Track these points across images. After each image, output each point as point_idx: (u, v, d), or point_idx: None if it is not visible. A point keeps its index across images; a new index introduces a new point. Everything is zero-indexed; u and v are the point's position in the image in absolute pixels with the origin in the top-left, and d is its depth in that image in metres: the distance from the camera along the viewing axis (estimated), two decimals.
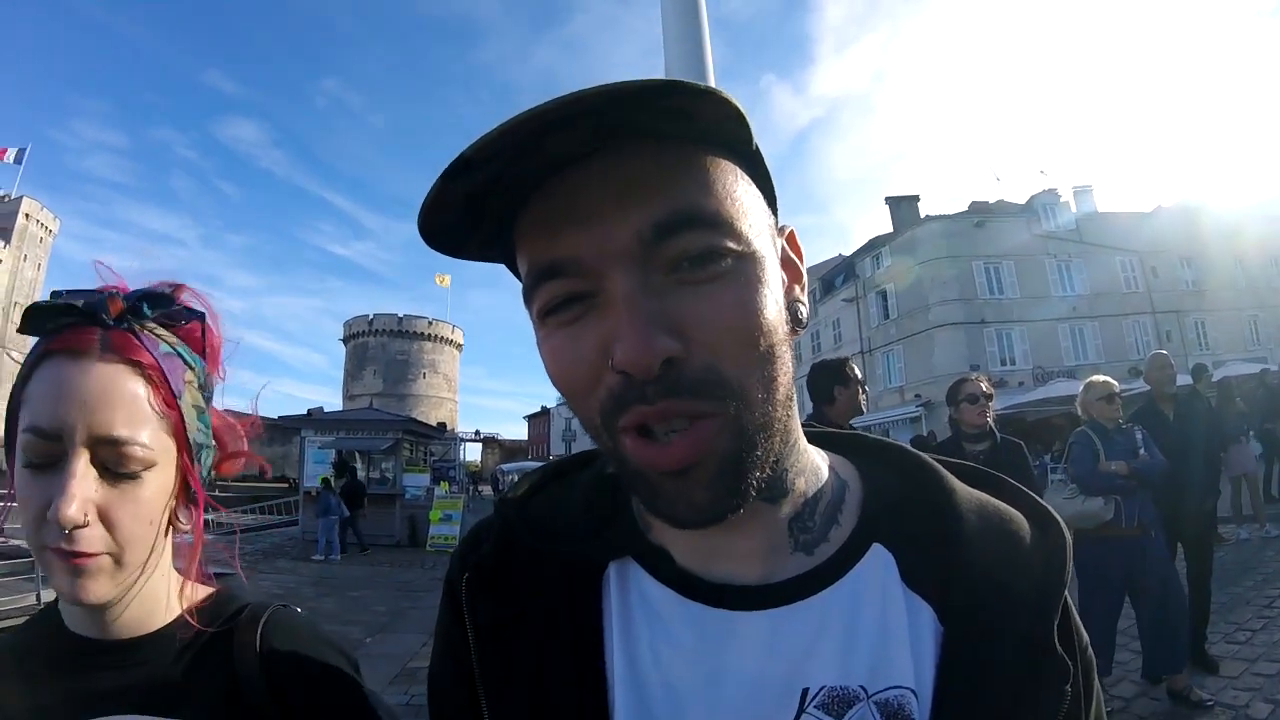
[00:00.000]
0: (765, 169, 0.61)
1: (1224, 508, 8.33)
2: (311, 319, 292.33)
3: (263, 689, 0.88)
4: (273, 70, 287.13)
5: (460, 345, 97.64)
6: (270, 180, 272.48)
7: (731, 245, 0.53)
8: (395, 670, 6.79)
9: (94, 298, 0.82)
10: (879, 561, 0.62)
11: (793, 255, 0.64)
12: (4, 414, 0.87)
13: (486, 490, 51.70)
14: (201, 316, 0.91)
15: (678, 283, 0.52)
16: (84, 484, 0.75)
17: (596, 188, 0.52)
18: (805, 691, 0.57)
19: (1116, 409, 4.94)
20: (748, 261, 0.54)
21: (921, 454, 0.71)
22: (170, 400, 0.83)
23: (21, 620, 0.96)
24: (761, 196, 0.60)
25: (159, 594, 0.90)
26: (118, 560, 0.79)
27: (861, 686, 0.56)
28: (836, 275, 45.59)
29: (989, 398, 4.46)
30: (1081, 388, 5.21)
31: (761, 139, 0.57)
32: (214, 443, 0.93)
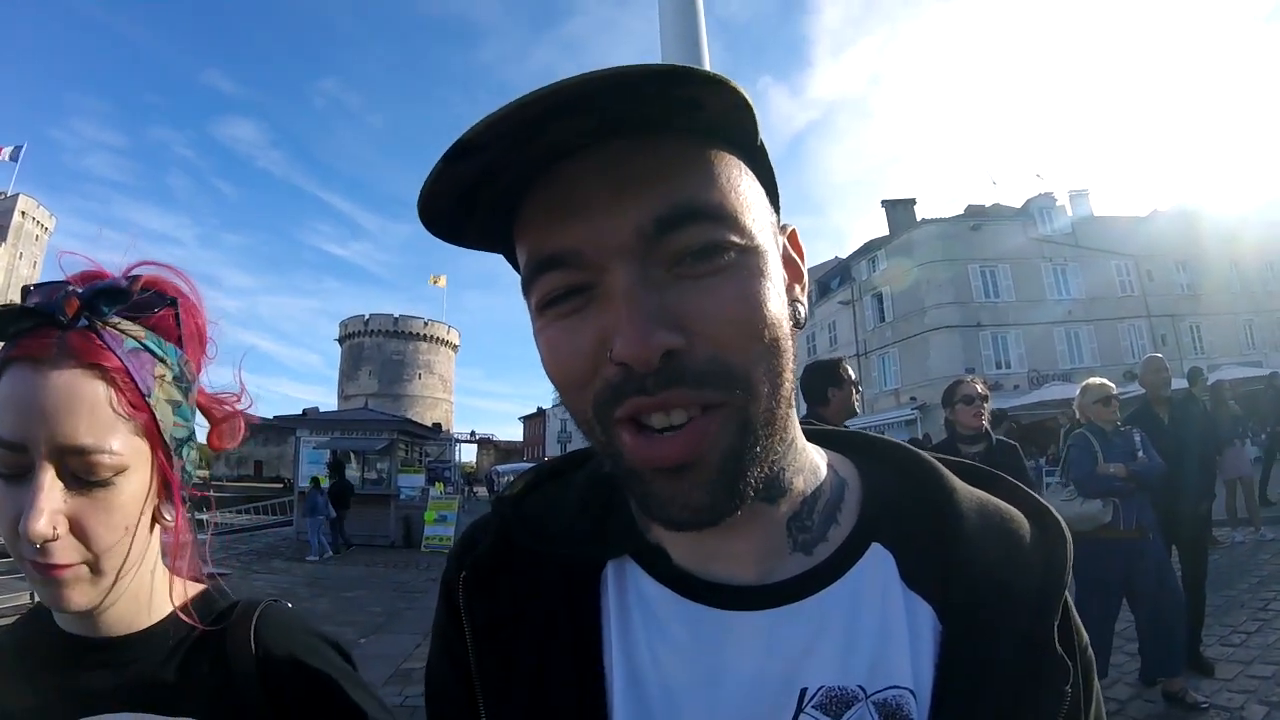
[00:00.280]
0: (769, 165, 0.61)
1: (1219, 511, 8.34)
2: (308, 319, 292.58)
3: (256, 685, 0.87)
4: (271, 70, 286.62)
5: (456, 346, 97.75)
6: (268, 180, 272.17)
7: (734, 239, 0.53)
8: (389, 671, 6.77)
9: (48, 299, 0.77)
10: (878, 561, 0.61)
11: (794, 254, 0.64)
12: None
13: (482, 491, 51.48)
14: (173, 302, 0.87)
15: (678, 277, 0.52)
16: (51, 496, 0.73)
17: (598, 179, 0.52)
18: (803, 691, 0.56)
19: (1114, 411, 4.95)
20: (751, 255, 0.54)
21: (920, 452, 0.71)
22: (138, 401, 0.79)
23: (14, 619, 0.95)
24: (764, 193, 0.60)
25: (148, 592, 0.89)
26: (94, 568, 0.77)
27: (860, 686, 0.56)
28: (832, 278, 45.70)
29: (984, 399, 4.48)
30: (1079, 390, 5.23)
31: None
32: (194, 432, 0.90)
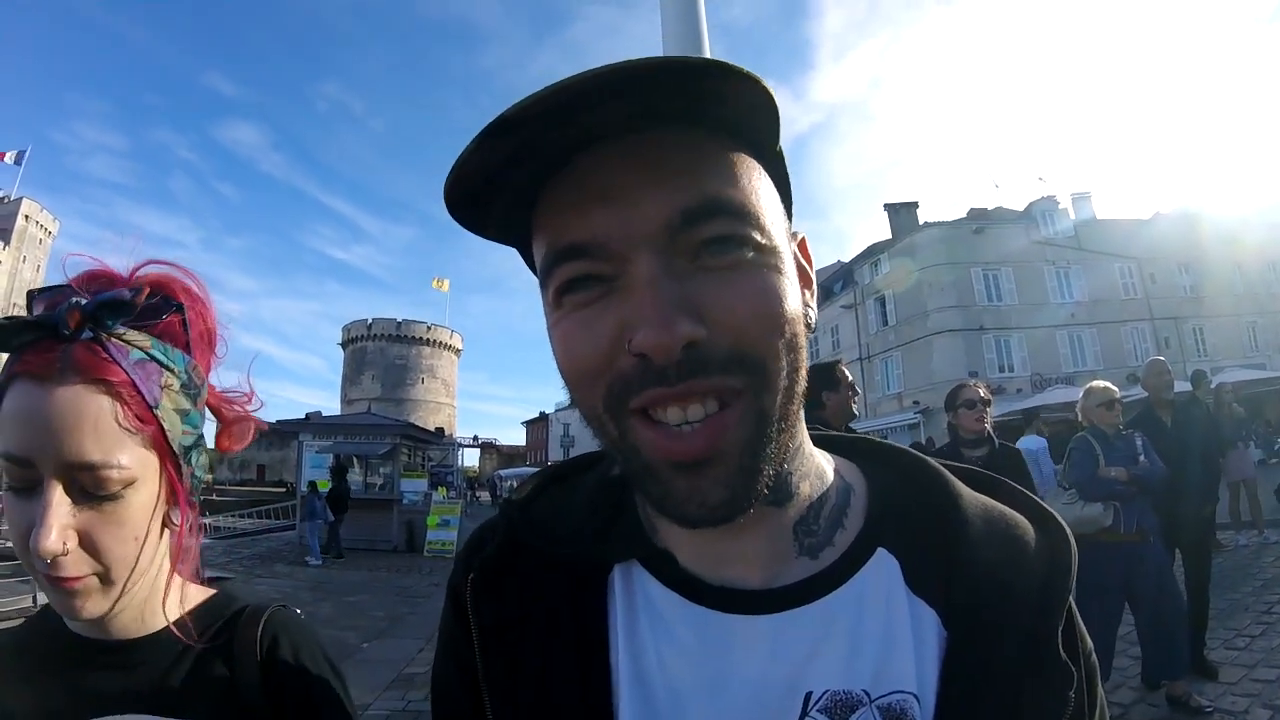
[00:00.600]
0: (785, 173, 0.62)
1: (1222, 514, 8.32)
2: (310, 323, 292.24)
3: (260, 688, 0.88)
4: (273, 72, 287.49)
5: (459, 350, 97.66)
6: (270, 183, 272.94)
7: (755, 236, 0.53)
8: (391, 676, 6.77)
9: (52, 312, 0.76)
10: (883, 566, 0.61)
11: (803, 261, 0.64)
12: None
13: (485, 496, 51.54)
14: (180, 307, 0.85)
15: (700, 269, 0.52)
16: (60, 512, 0.73)
17: (626, 170, 0.52)
18: (808, 695, 0.57)
19: (1116, 415, 4.94)
20: (769, 254, 0.55)
21: (925, 457, 0.71)
22: (145, 414, 0.78)
23: (18, 621, 0.96)
24: (780, 198, 0.61)
25: (157, 596, 0.89)
26: (105, 579, 0.78)
27: (864, 691, 0.56)
28: (835, 282, 45.72)
29: (987, 404, 4.47)
30: (1082, 394, 5.22)
31: None
32: (203, 437, 0.89)
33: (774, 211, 0.57)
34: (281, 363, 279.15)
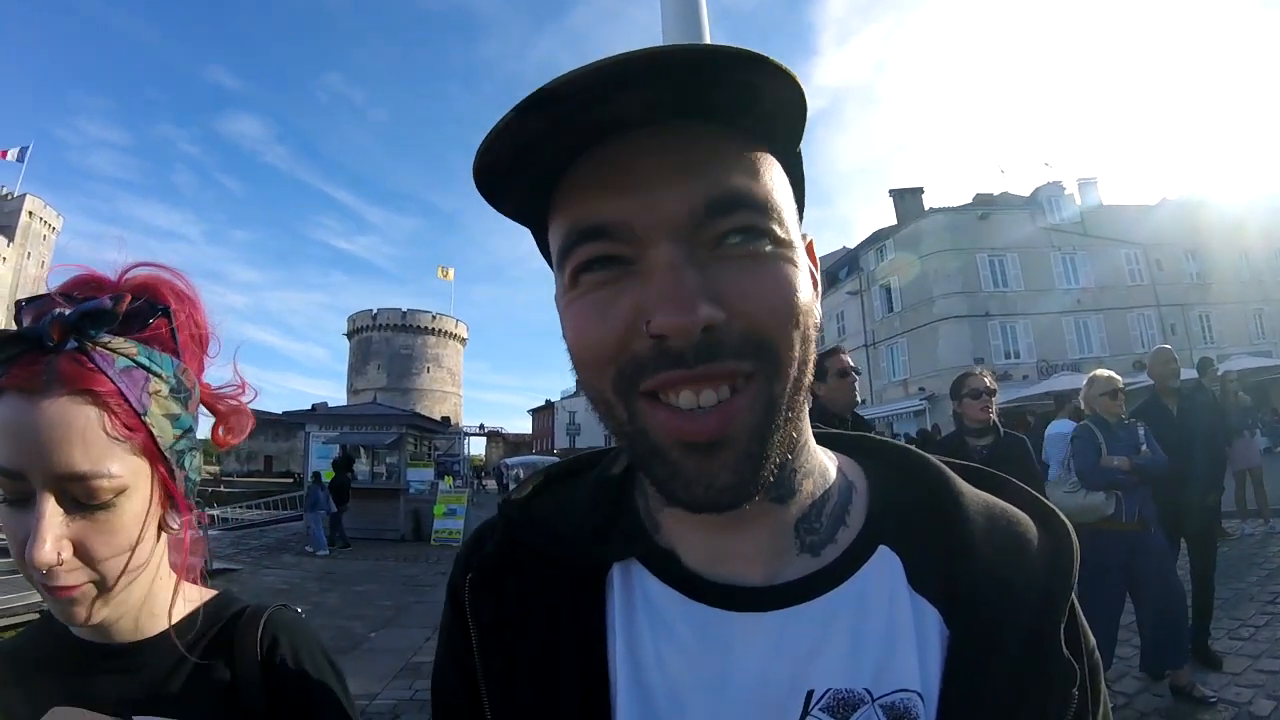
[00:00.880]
0: (801, 174, 0.63)
1: (1228, 502, 8.30)
2: (315, 313, 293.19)
3: (260, 689, 0.89)
4: (274, 65, 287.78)
5: (464, 339, 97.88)
6: (273, 175, 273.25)
7: (775, 230, 0.54)
8: (399, 664, 6.81)
9: (35, 324, 0.77)
10: (885, 564, 0.61)
11: (810, 263, 0.64)
12: None
13: (491, 484, 51.42)
14: (166, 311, 0.85)
15: (720, 257, 0.53)
16: (52, 524, 0.73)
17: (655, 156, 0.53)
18: (810, 694, 0.56)
19: (1120, 404, 4.93)
20: (787, 248, 0.55)
21: (927, 455, 0.71)
22: (133, 422, 0.79)
23: (27, 616, 0.97)
24: (794, 197, 0.62)
25: (158, 599, 0.90)
26: (101, 586, 0.79)
27: (867, 689, 0.56)
28: (840, 268, 45.55)
29: (992, 393, 4.46)
30: (1085, 382, 5.21)
31: None
32: (196, 438, 0.90)
33: (790, 209, 0.58)
34: (287, 354, 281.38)
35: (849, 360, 4.35)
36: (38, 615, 0.97)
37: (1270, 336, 34.53)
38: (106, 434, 0.76)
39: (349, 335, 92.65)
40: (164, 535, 0.87)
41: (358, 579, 11.89)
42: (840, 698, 0.56)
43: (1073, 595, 0.61)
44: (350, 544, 16.31)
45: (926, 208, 38.50)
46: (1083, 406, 5.15)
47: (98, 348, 0.78)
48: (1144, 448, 4.73)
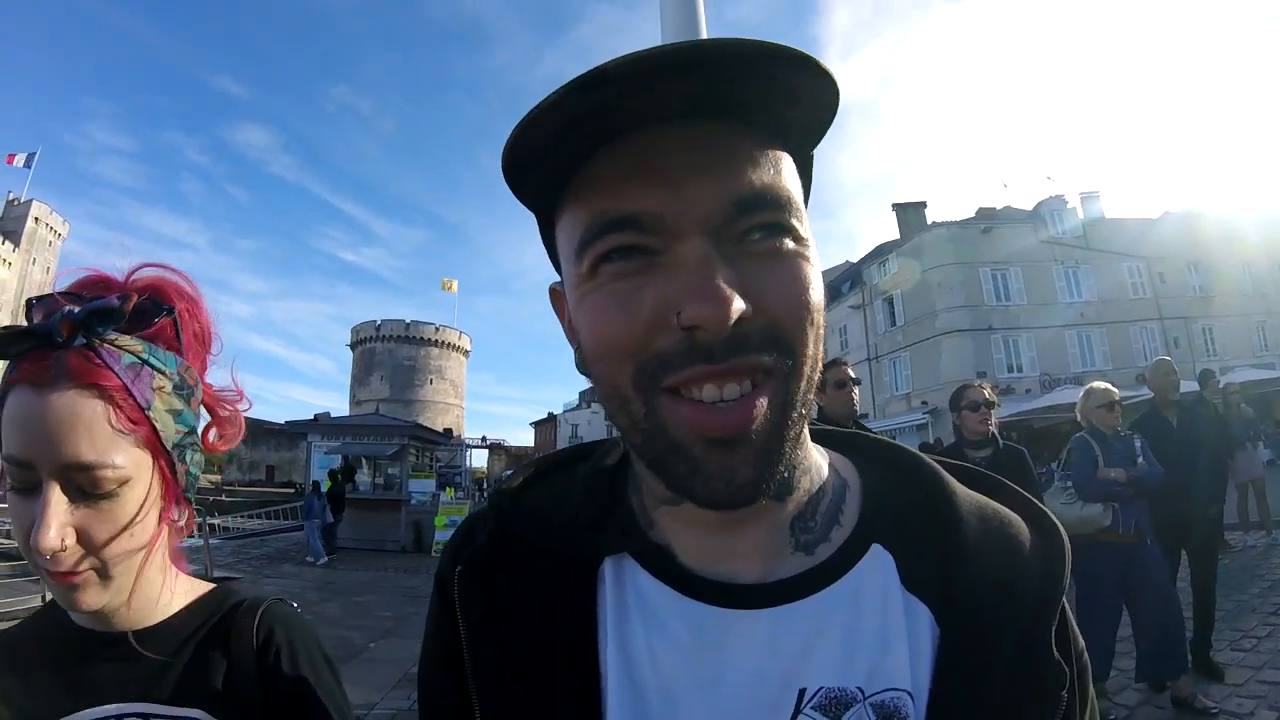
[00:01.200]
0: (810, 178, 0.63)
1: (1230, 514, 8.27)
2: (320, 324, 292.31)
3: (255, 677, 0.91)
4: (282, 75, 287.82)
5: (467, 351, 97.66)
6: (280, 185, 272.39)
7: (796, 227, 0.55)
8: (398, 675, 6.79)
9: (46, 321, 0.80)
10: (878, 562, 0.61)
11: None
12: None
13: None
14: (171, 311, 0.89)
15: (743, 253, 0.53)
16: (58, 511, 0.77)
17: (686, 150, 0.53)
18: (802, 692, 0.56)
19: (1116, 417, 4.93)
20: (805, 247, 0.56)
21: (920, 455, 0.71)
22: (137, 416, 0.82)
23: (29, 615, 0.99)
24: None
25: (158, 589, 0.93)
26: (103, 572, 0.82)
27: (859, 688, 0.56)
28: (843, 282, 45.45)
29: (990, 405, 4.47)
30: (1082, 394, 5.21)
31: None
32: (199, 435, 0.93)
33: (804, 212, 0.59)
34: (292, 364, 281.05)
35: (850, 371, 4.37)
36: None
37: (1273, 349, 34.38)
38: (111, 427, 0.79)
39: (352, 346, 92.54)
40: (165, 527, 0.89)
41: (358, 589, 11.87)
42: (832, 696, 0.56)
43: (1063, 598, 0.61)
44: (336, 553, 16.24)
45: (929, 222, 38.45)
46: (1079, 419, 5.14)
47: (105, 344, 0.81)
48: (1140, 460, 4.73)
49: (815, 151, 0.63)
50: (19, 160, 77.21)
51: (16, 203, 75.99)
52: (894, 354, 39.10)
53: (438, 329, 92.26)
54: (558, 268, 0.65)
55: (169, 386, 0.86)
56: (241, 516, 28.78)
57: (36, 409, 0.77)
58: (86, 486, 0.79)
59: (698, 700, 0.57)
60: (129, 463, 0.81)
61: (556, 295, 0.68)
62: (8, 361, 0.81)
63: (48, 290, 0.90)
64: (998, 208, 40.31)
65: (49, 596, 0.88)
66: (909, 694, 0.56)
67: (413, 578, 13.47)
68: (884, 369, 39.74)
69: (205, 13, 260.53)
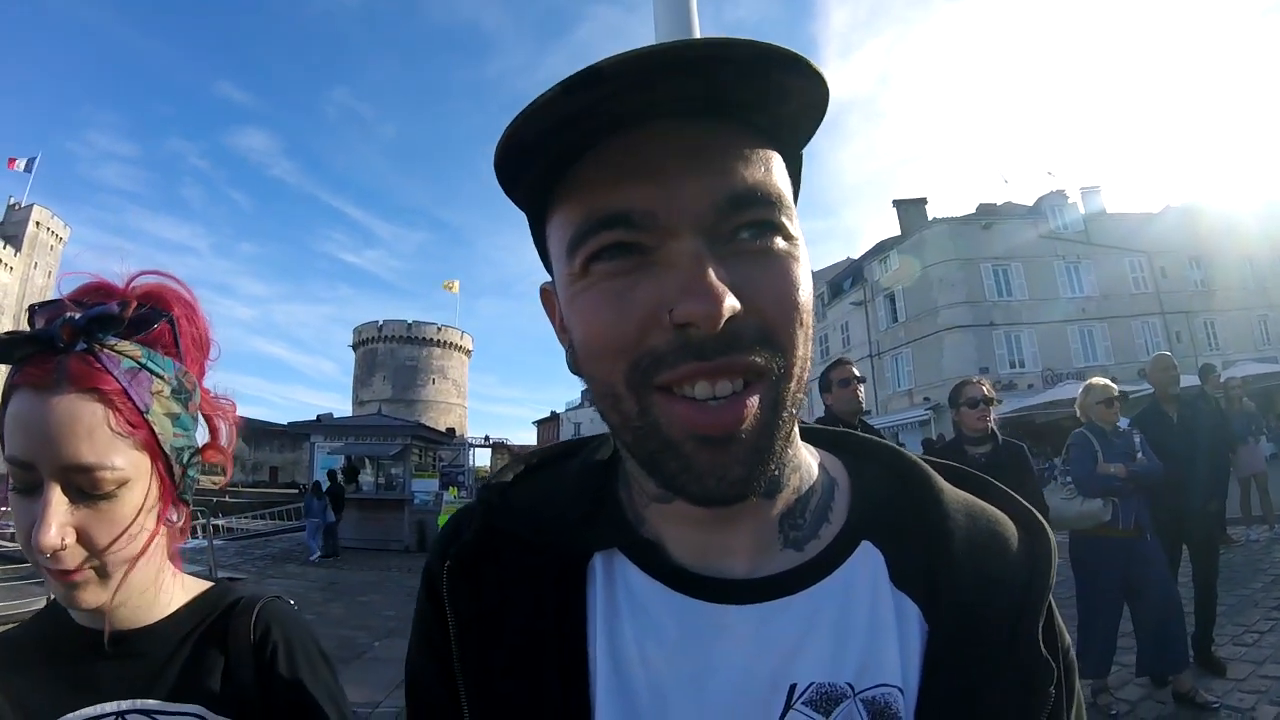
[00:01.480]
0: (800, 174, 0.64)
1: (1233, 509, 8.25)
2: (322, 326, 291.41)
3: (252, 674, 0.93)
4: (283, 80, 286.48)
5: (469, 351, 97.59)
6: (281, 189, 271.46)
7: (786, 226, 0.56)
8: (402, 674, 6.75)
9: (48, 326, 0.83)
10: (868, 559, 0.62)
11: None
12: None
13: None
14: (169, 317, 0.91)
15: (734, 252, 0.53)
16: (58, 511, 0.79)
17: (678, 148, 0.53)
18: (793, 687, 0.57)
19: (1115, 412, 4.94)
20: (794, 246, 0.56)
21: (908, 453, 0.72)
22: (136, 419, 0.84)
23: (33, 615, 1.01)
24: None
25: (156, 589, 0.95)
26: (102, 571, 0.84)
27: (849, 684, 0.57)
28: (845, 279, 45.45)
29: (989, 401, 4.47)
30: (1081, 390, 5.22)
31: None
32: (196, 437, 0.94)
33: (794, 211, 0.59)
34: (295, 366, 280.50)
35: (854, 369, 4.38)
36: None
37: (1275, 343, 34.29)
38: (111, 429, 0.82)
39: (355, 347, 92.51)
40: (163, 529, 0.91)
41: (362, 589, 11.85)
42: (823, 691, 0.56)
43: (1050, 596, 0.61)
44: (339, 553, 16.27)
45: (930, 218, 38.38)
46: (1079, 414, 5.14)
47: (105, 349, 0.83)
48: (1139, 455, 4.73)
49: (808, 151, 0.63)
50: (19, 165, 77.33)
51: (18, 207, 76.13)
52: (896, 350, 39.04)
53: (439, 329, 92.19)
54: (549, 268, 0.65)
55: (167, 390, 0.88)
56: (245, 517, 28.85)
57: (38, 411, 0.79)
58: (86, 487, 0.81)
59: (688, 696, 0.58)
60: (128, 464, 0.83)
61: (547, 295, 0.68)
62: (10, 366, 0.83)
63: (49, 294, 0.92)
64: (998, 203, 40.18)
65: (52, 598, 0.90)
66: (899, 689, 0.57)
67: (416, 577, 12.60)
68: (886, 365, 39.66)
69: (206, 20, 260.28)
